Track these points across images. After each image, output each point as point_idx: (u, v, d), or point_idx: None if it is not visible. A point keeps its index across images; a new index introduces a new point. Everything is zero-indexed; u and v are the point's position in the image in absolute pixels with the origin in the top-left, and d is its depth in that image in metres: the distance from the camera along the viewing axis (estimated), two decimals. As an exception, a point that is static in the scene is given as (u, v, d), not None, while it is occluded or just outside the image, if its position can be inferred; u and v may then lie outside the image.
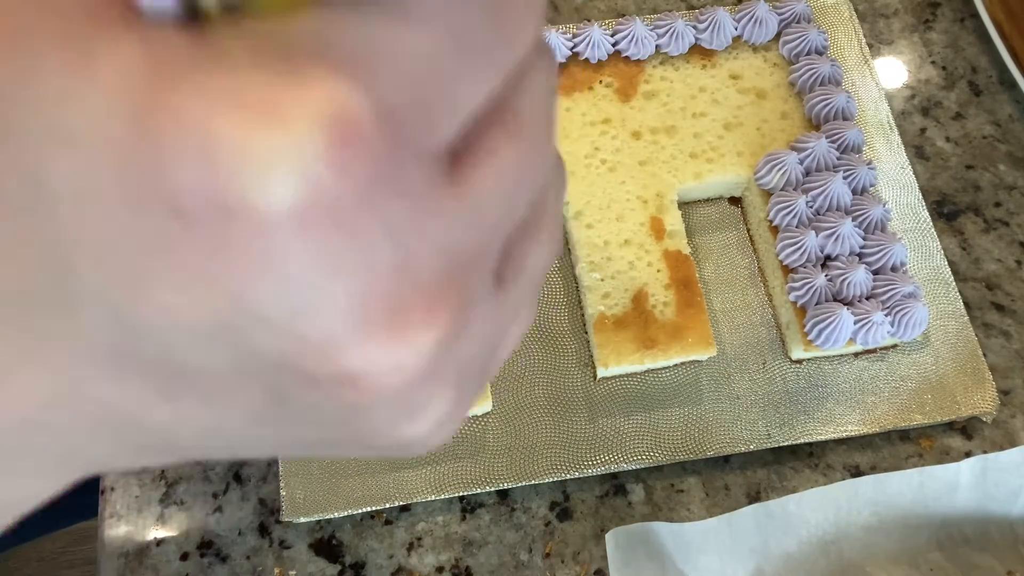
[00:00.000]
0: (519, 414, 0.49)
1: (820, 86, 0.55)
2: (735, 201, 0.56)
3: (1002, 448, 0.50)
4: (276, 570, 0.46)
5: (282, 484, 0.47)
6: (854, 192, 0.52)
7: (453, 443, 0.48)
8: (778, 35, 0.57)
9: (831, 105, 0.54)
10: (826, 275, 0.49)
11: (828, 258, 0.50)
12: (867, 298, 0.49)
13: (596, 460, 0.48)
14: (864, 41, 0.60)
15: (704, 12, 0.57)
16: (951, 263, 0.54)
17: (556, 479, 0.48)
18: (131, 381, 0.15)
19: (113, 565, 0.46)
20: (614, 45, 0.56)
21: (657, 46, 0.56)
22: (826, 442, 0.50)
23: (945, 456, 0.50)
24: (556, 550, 0.47)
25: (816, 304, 0.49)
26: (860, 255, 0.50)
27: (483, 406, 0.48)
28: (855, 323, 0.48)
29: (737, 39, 0.57)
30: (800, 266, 0.50)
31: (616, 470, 0.48)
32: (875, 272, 0.50)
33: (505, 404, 0.49)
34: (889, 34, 0.63)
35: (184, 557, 0.47)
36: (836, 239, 0.50)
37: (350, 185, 0.12)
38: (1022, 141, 0.59)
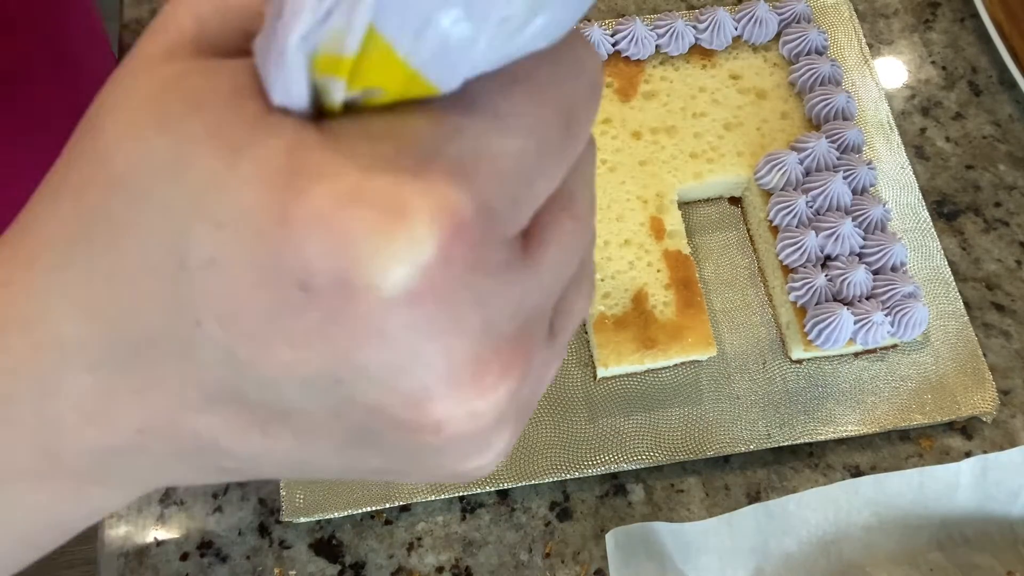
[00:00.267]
0: (519, 414, 0.49)
1: (820, 86, 0.55)
2: (735, 201, 0.56)
3: (1002, 448, 0.50)
4: (276, 570, 0.46)
5: (282, 484, 0.47)
6: (854, 192, 0.52)
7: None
8: (778, 35, 0.57)
9: (831, 105, 0.54)
10: (826, 275, 0.49)
11: (828, 258, 0.50)
12: (867, 298, 0.49)
13: (596, 460, 0.48)
14: (864, 41, 0.59)
15: (704, 12, 0.57)
16: (951, 263, 0.54)
17: (556, 479, 0.47)
18: (231, 417, 0.17)
19: (113, 565, 0.46)
20: (614, 45, 0.56)
21: (657, 46, 0.56)
22: (826, 442, 0.50)
23: (945, 456, 0.50)
24: (556, 550, 0.47)
25: (816, 304, 0.49)
26: (860, 255, 0.50)
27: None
28: (855, 323, 0.48)
29: (737, 39, 0.57)
30: (800, 266, 0.50)
31: (616, 470, 0.48)
32: (875, 272, 0.50)
33: (505, 404, 0.49)
34: (889, 34, 0.63)
35: (184, 557, 0.46)
36: (836, 239, 0.50)
37: (452, 271, 0.15)
38: (1022, 141, 0.59)
